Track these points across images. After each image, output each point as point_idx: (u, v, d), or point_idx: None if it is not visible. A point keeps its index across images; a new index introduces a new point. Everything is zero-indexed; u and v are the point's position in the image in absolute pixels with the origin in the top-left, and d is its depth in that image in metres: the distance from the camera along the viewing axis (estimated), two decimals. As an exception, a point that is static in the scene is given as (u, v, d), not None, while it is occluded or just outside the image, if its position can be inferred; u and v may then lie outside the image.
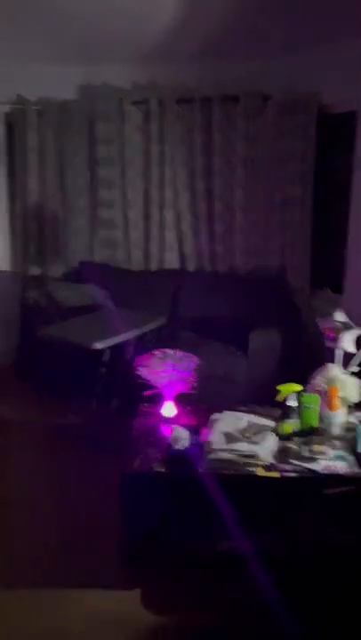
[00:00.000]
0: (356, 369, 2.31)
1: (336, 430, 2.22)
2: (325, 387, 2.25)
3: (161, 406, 2.43)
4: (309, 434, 2.20)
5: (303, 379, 2.32)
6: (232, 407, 2.42)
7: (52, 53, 3.64)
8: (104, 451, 2.74)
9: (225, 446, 2.08)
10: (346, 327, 2.35)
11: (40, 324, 3.40)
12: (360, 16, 2.93)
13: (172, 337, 3.36)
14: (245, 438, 2.14)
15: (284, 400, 2.24)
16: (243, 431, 2.20)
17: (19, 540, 2.31)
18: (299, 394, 2.25)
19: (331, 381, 2.26)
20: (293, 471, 2.00)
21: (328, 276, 3.74)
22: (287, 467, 2.02)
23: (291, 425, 2.21)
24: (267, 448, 2.08)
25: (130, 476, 2.05)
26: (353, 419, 2.30)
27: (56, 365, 3.37)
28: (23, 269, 4.26)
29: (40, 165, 4.13)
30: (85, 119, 4.00)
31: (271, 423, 2.27)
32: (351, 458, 2.06)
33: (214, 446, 2.09)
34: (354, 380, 2.28)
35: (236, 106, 3.74)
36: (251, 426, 2.25)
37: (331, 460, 2.03)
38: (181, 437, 2.14)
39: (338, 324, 2.36)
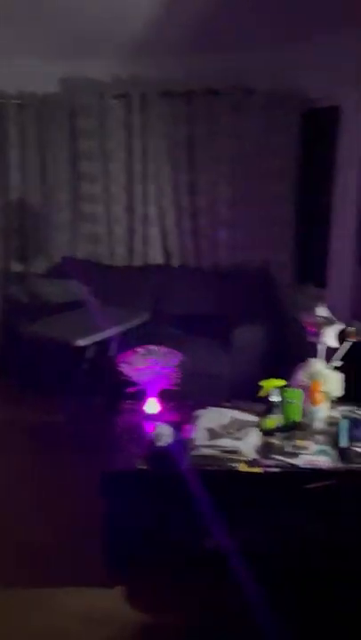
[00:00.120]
0: (338, 363, 2.32)
1: (319, 425, 2.23)
2: (308, 382, 2.26)
3: (144, 403, 2.42)
4: (292, 429, 2.20)
5: (288, 374, 2.32)
6: (216, 403, 2.41)
7: (32, 47, 3.58)
8: (87, 448, 2.72)
9: (208, 442, 2.08)
10: (328, 322, 2.35)
11: (22, 321, 3.36)
12: (345, 11, 2.92)
13: (155, 333, 3.33)
14: (229, 434, 2.14)
15: (268, 395, 2.23)
16: (226, 427, 2.20)
17: (2, 540, 2.28)
18: (282, 389, 2.25)
19: (313, 376, 2.26)
20: (276, 466, 2.00)
21: (312, 272, 3.74)
22: (270, 462, 2.01)
23: (274, 420, 2.21)
24: (250, 443, 2.08)
25: (111, 474, 2.03)
26: (336, 413, 2.31)
27: (39, 362, 3.34)
28: (5, 266, 4.21)
29: (21, 160, 4.07)
30: (67, 113, 3.95)
31: (255, 419, 2.27)
32: (334, 452, 2.06)
33: (197, 442, 2.08)
34: (336, 375, 2.29)
35: (219, 100, 3.72)
36: (234, 422, 2.24)
37: (313, 455, 2.04)
38: (164, 434, 2.12)
39: (320, 318, 2.36)
